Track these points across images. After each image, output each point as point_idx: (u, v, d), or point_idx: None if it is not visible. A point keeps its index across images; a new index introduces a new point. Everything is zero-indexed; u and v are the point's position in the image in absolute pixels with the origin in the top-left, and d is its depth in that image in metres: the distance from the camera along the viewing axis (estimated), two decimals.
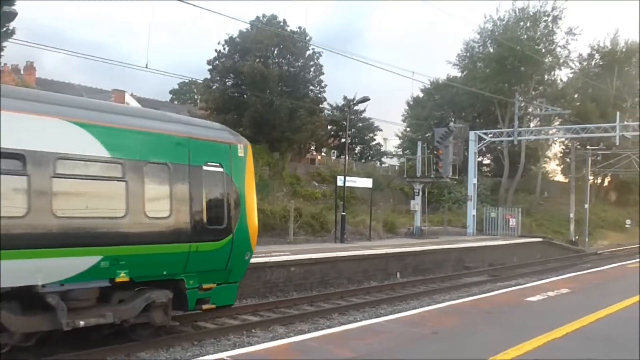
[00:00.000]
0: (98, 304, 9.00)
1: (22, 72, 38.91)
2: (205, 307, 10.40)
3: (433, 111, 53.10)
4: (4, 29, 24.93)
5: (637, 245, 40.06)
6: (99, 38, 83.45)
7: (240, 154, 10.94)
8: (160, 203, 9.47)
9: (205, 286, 10.25)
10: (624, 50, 58.56)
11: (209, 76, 40.04)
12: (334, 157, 50.40)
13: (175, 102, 62.52)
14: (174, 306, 10.13)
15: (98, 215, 8.67)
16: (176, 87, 65.81)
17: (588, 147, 46.88)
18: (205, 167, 10.20)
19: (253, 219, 11.09)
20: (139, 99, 47.16)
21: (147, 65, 18.04)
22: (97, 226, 8.64)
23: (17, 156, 7.79)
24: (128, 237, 8.97)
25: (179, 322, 10.90)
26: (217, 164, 10.44)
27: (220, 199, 10.45)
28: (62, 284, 8.35)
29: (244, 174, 10.95)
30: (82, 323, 8.53)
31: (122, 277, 8.96)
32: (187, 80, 58.78)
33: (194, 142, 10.10)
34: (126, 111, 10.66)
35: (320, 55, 41.42)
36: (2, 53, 27.02)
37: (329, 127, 48.88)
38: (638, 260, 23.89)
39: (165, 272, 9.65)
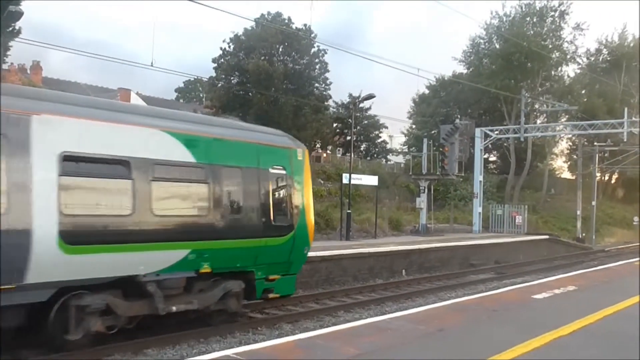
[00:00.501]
0: (185, 292, 10.16)
1: (28, 71, 39.05)
2: (271, 296, 11.73)
3: (439, 108, 52.96)
4: (10, 28, 25.04)
5: None
6: (104, 37, 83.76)
7: (299, 157, 12.26)
8: (236, 203, 10.78)
9: (270, 277, 11.50)
10: (632, 45, 58.21)
11: (214, 74, 40.09)
12: (339, 155, 50.41)
13: (181, 100, 62.68)
14: (244, 295, 11.28)
15: (187, 214, 10.07)
16: (181, 85, 66.02)
17: (595, 143, 46.65)
18: (271, 170, 11.48)
19: (310, 216, 12.38)
20: (144, 98, 47.26)
21: (152, 63, 18.05)
22: (187, 223, 9.99)
23: (124, 162, 9.07)
24: (211, 233, 10.27)
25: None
26: (281, 167, 11.71)
27: (284, 198, 11.74)
28: (158, 274, 9.59)
29: (303, 175, 12.23)
30: (174, 308, 9.90)
31: (205, 268, 10.24)
32: (192, 79, 59.04)
33: (261, 147, 11.40)
34: (205, 121, 11.90)
35: (326, 53, 41.43)
36: (9, 52, 27.16)
37: (334, 124, 48.86)
38: None
39: (238, 265, 10.94)
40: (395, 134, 60.54)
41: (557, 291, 12.41)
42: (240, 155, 10.95)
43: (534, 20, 49.10)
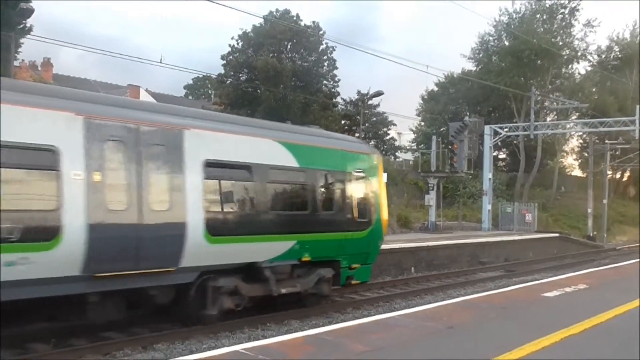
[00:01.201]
0: (290, 277, 11.93)
1: (39, 68, 39.25)
2: (353, 282, 13.55)
3: (448, 105, 52.75)
4: (21, 25, 25.17)
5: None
6: (113, 33, 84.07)
7: (375, 162, 14.04)
8: (329, 201, 12.59)
9: (352, 266, 13.24)
10: None
11: (222, 71, 40.17)
12: None
13: (190, 97, 62.79)
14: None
15: (293, 211, 11.97)
16: (190, 82, 66.04)
17: (606, 141, 46.31)
18: (354, 173, 13.17)
19: (384, 214, 14.00)
20: (153, 94, 47.40)
21: (161, 60, 18.11)
22: (293, 219, 11.86)
23: (247, 167, 10.86)
24: (311, 227, 12.12)
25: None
26: (361, 171, 13.39)
27: (364, 198, 13.37)
28: (272, 262, 11.36)
29: (378, 178, 13.93)
30: (283, 290, 11.72)
31: (306, 257, 12.06)
32: (201, 76, 59.01)
33: (346, 154, 13.18)
34: (302, 131, 13.39)
35: (334, 50, 41.42)
36: (20, 50, 27.31)
37: (343, 121, 48.77)
38: None
39: (329, 255, 12.64)
40: (403, 131, 60.35)
41: (567, 289, 12.33)
42: (330, 161, 12.74)
43: (544, 17, 48.78)
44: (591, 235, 41.07)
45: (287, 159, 11.71)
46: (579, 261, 27.81)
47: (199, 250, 9.96)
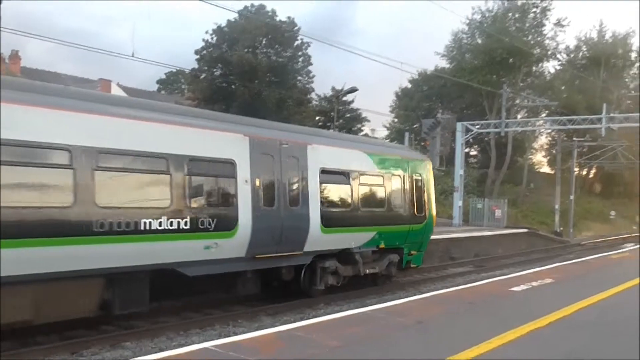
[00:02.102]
0: (371, 261, 14.81)
1: (6, 60, 38.40)
2: (411, 265, 16.54)
3: (421, 102, 53.17)
4: None
5: (621, 237, 40.58)
6: (84, 26, 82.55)
7: (427, 167, 17.16)
8: (398, 199, 15.51)
9: (411, 252, 16.15)
10: (610, 42, 58.91)
11: (196, 66, 39.79)
12: None
13: (163, 92, 62.09)
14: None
15: (375, 208, 14.71)
16: (163, 76, 65.28)
17: (574, 138, 47.20)
18: (414, 177, 16.10)
19: (434, 210, 17.25)
20: (125, 89, 46.76)
21: (133, 54, 17.89)
22: (374, 214, 14.63)
23: (346, 174, 13.90)
24: (386, 220, 15.00)
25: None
26: (418, 174, 16.34)
27: (421, 196, 16.38)
28: (360, 248, 14.22)
29: (430, 180, 17.08)
30: (367, 271, 14.61)
31: (382, 245, 14.90)
32: (174, 70, 58.34)
33: (407, 160, 16.25)
34: (378, 143, 18.56)
35: (309, 46, 41.34)
36: None
37: (317, 117, 48.78)
38: (621, 251, 24.20)
39: (397, 243, 15.53)
40: (377, 127, 60.62)
41: (534, 284, 12.59)
42: (397, 166, 15.67)
43: (516, 16, 49.48)
44: (558, 230, 41.86)
45: (371, 166, 14.79)
46: (546, 256, 28.33)
47: (316, 239, 12.90)
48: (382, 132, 58.23)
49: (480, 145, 54.80)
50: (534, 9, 49.65)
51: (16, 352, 8.65)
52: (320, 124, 49.64)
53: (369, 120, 53.81)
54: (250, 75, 37.10)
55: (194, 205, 10.35)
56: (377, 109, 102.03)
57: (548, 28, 50.35)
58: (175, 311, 11.85)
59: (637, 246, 27.65)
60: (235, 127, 11.61)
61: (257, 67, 37.40)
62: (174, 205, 10.00)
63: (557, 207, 42.66)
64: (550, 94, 49.87)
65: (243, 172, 11.27)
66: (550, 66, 56.31)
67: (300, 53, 41.71)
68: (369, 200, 14.55)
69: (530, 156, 58.66)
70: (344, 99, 47.24)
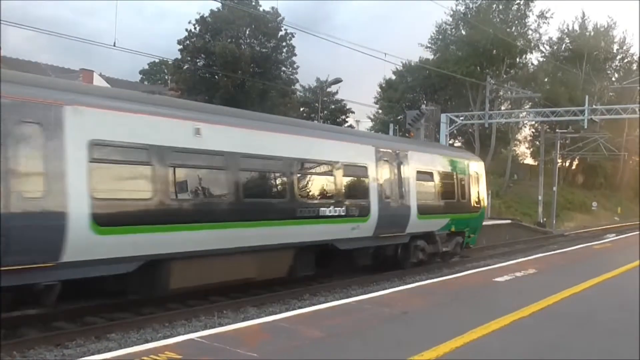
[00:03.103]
0: (446, 241, 18.59)
1: None
2: (470, 246, 20.75)
3: (405, 93, 53.25)
4: None
5: (602, 227, 41.10)
6: (65, 14, 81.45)
7: (481, 166, 21.26)
8: (463, 192, 19.32)
9: (470, 235, 20.12)
10: (592, 34, 59.39)
11: (179, 56, 39.44)
12: None
13: (145, 83, 61.52)
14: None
15: (449, 199, 18.37)
16: (146, 67, 64.65)
17: (557, 130, 47.61)
18: (472, 174, 20.06)
19: (485, 202, 21.89)
20: (107, 79, 46.25)
21: (114, 43, 17.68)
22: (448, 204, 18.35)
23: (430, 173, 17.63)
24: (456, 209, 18.79)
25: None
26: (475, 172, 20.40)
27: (477, 190, 20.34)
28: (439, 231, 17.98)
29: (483, 177, 21.09)
30: (444, 249, 18.49)
31: (453, 229, 18.64)
32: (157, 60, 57.85)
33: (469, 162, 20.37)
34: (450, 149, 24.24)
35: (293, 36, 41.12)
36: None
37: (301, 108, 48.70)
38: (603, 241, 24.49)
39: (462, 227, 19.25)
40: (362, 118, 60.67)
41: (518, 274, 12.70)
42: (463, 166, 19.70)
43: (500, 7, 49.66)
44: (541, 221, 42.28)
45: (446, 167, 18.69)
46: (529, 247, 28.60)
47: (413, 223, 16.55)
48: (367, 124, 58.30)
49: (464, 136, 55.10)
50: (518, 1, 49.89)
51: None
52: (304, 115, 49.63)
53: (353, 112, 53.96)
54: (234, 66, 36.86)
55: (347, 198, 14.22)
56: (361, 101, 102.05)
57: (531, 20, 50.70)
58: (160, 303, 11.79)
59: (619, 237, 28.03)
60: (366, 140, 16.35)
61: (240, 57, 37.16)
62: (337, 198, 13.93)
63: (540, 198, 43.07)
64: (534, 85, 50.24)
65: (372, 173, 15.12)
66: (534, 58, 56.62)
67: (284, 44, 41.50)
68: (446, 193, 18.24)
69: (514, 147, 59.15)
70: (328, 90, 47.24)
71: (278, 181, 12.78)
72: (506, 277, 12.21)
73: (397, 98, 52.65)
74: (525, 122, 52.63)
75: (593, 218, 53.23)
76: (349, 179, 14.52)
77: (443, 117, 37.05)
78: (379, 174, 15.27)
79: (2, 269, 7.72)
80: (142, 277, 10.03)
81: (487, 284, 11.52)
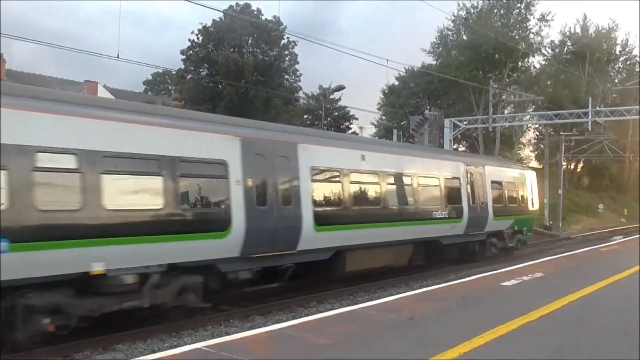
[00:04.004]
0: (510, 239, 22.25)
1: None
2: (527, 243, 24.65)
3: (408, 99, 53.19)
4: None
5: (609, 229, 40.86)
6: (69, 27, 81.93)
7: (534, 176, 25.18)
8: (522, 198, 23.08)
9: (527, 234, 23.94)
10: (594, 36, 59.29)
11: (182, 66, 39.60)
12: None
13: (149, 93, 61.78)
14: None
15: (511, 204, 22.03)
16: (149, 77, 64.95)
17: (561, 133, 47.46)
18: (527, 183, 23.80)
19: (537, 206, 25.60)
20: (112, 90, 46.47)
21: (118, 55, 17.80)
22: (511, 208, 22.03)
23: (501, 182, 21.53)
24: (517, 212, 22.40)
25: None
26: (530, 181, 24.15)
27: (532, 196, 24.01)
28: (506, 230, 21.89)
29: (535, 184, 24.68)
30: (510, 244, 22.26)
31: (516, 228, 22.38)
32: (160, 71, 58.11)
33: (526, 172, 24.45)
34: (513, 162, 28.26)
35: (295, 44, 41.25)
36: None
37: (305, 116, 48.75)
38: (610, 243, 24.38)
39: (521, 227, 22.95)
40: (365, 125, 60.57)
41: (525, 278, 12.65)
42: (522, 176, 23.74)
43: (501, 12, 49.68)
44: (547, 224, 42.07)
45: (512, 177, 22.83)
46: (536, 250, 28.43)
47: (490, 224, 20.43)
48: (370, 130, 58.30)
49: (468, 141, 54.99)
50: (519, 5, 49.91)
51: (7, 356, 8.56)
52: (308, 122, 49.68)
53: (356, 118, 53.93)
54: (237, 75, 36.98)
55: (448, 204, 18.02)
56: (364, 107, 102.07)
57: (532, 23, 50.67)
58: (166, 312, 11.77)
59: (626, 239, 27.89)
60: (458, 158, 20.33)
61: (243, 66, 37.28)
62: (444, 204, 17.82)
63: (546, 201, 42.87)
64: (537, 89, 50.13)
65: (463, 184, 18.96)
66: (536, 61, 56.55)
67: (286, 52, 41.63)
68: (511, 199, 22.09)
69: (518, 151, 58.96)
70: (331, 97, 47.27)
71: (408, 192, 16.60)
72: (513, 281, 12.17)
73: (400, 104, 52.62)
74: (529, 125, 52.51)
75: (599, 220, 52.93)
76: (449, 189, 18.20)
77: (446, 122, 37.05)
78: (467, 185, 19.20)
79: (271, 254, 11.94)
80: (331, 263, 13.84)
81: (494, 289, 11.47)
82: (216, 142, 11.03)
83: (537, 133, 59.03)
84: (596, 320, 8.70)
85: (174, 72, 42.36)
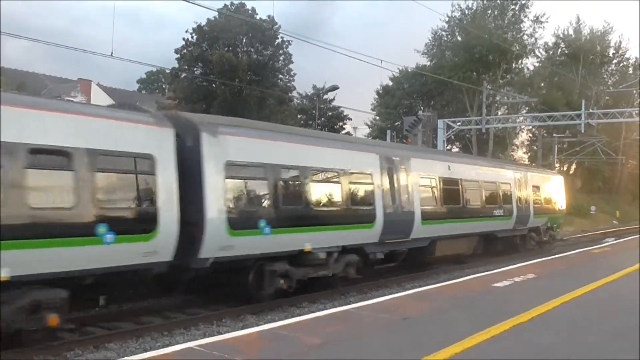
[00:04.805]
0: (544, 233, 25.60)
1: None
2: (558, 234, 28.88)
3: (402, 100, 53.31)
4: None
5: (601, 231, 41.05)
6: (62, 25, 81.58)
7: (562, 179, 29.49)
8: (554, 199, 26.95)
9: (557, 230, 27.80)
10: (588, 39, 59.57)
11: (177, 65, 39.52)
12: None
13: (143, 92, 61.59)
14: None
15: (546, 205, 25.98)
16: (144, 76, 64.72)
17: (554, 135, 47.66)
18: (557, 185, 27.83)
19: (564, 206, 28.88)
20: (105, 89, 46.31)
21: (112, 53, 17.73)
22: (547, 208, 25.88)
23: (539, 187, 25.41)
24: (550, 211, 26.23)
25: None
26: (559, 184, 28.24)
27: (560, 197, 27.72)
28: (542, 226, 25.26)
29: (563, 187, 28.64)
30: (545, 238, 25.66)
31: (549, 225, 25.87)
32: (154, 69, 57.94)
33: (555, 177, 28.98)
34: (548, 170, 34.53)
35: (290, 44, 41.26)
36: None
37: (299, 116, 48.74)
38: (602, 245, 24.51)
39: (553, 223, 26.38)
40: (359, 125, 60.73)
41: (517, 279, 12.68)
42: (551, 180, 27.61)
43: (495, 13, 49.85)
44: None
45: (545, 181, 26.50)
46: (528, 251, 28.48)
47: (531, 220, 23.84)
48: (364, 130, 58.34)
49: (461, 142, 55.13)
50: (513, 6, 50.09)
51: (7, 356, 8.52)
52: (302, 122, 49.67)
53: (350, 119, 54.01)
54: (231, 74, 36.96)
55: (503, 204, 21.73)
56: (358, 107, 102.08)
57: (527, 25, 50.89)
58: (159, 311, 11.75)
59: (618, 241, 28.03)
60: (509, 166, 24.67)
61: (237, 65, 37.26)
62: (500, 204, 21.51)
63: None
64: (530, 90, 50.34)
65: (513, 188, 22.65)
66: (530, 63, 56.82)
67: (280, 51, 41.63)
68: (545, 200, 25.91)
69: (512, 152, 59.18)
70: (325, 97, 47.31)
71: (478, 194, 20.49)
72: (505, 282, 12.19)
73: (394, 104, 52.72)
74: (522, 126, 52.73)
75: (592, 222, 53.13)
76: (503, 192, 21.97)
77: (440, 123, 37.14)
78: (515, 188, 22.85)
79: (396, 240, 15.97)
80: (425, 249, 17.56)
81: (486, 289, 11.49)
82: (368, 159, 15.42)
83: (530, 134, 59.28)
84: (587, 321, 8.74)
85: (168, 71, 42.28)
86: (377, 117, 54.97)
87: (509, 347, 7.11)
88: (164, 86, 60.21)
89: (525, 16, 50.43)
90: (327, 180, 13.97)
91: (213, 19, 39.01)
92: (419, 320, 8.61)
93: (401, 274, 17.51)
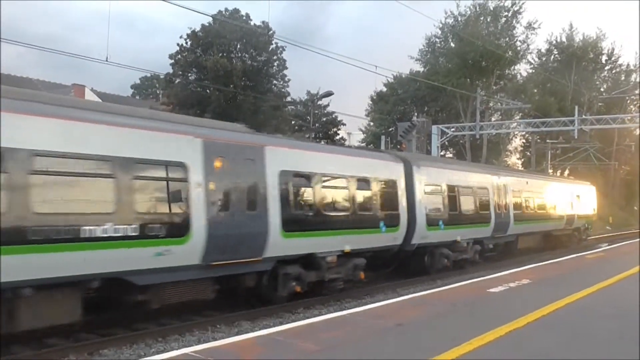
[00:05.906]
0: (581, 232, 31.92)
1: None
2: (590, 236, 34.14)
3: (396, 106, 53.48)
4: None
5: (594, 237, 41.20)
6: (56, 30, 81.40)
7: (594, 189, 34.91)
8: (587, 206, 32.44)
9: (590, 229, 33.69)
10: (580, 45, 59.94)
11: (171, 71, 39.49)
12: None
13: (137, 97, 61.47)
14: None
15: (584, 210, 31.68)
16: (138, 81, 64.68)
17: (548, 140, 47.85)
18: (589, 194, 33.49)
19: (595, 211, 35.06)
20: (99, 94, 46.15)
21: (107, 58, 17.69)
22: (585, 214, 31.87)
23: (579, 196, 31.26)
24: (587, 216, 32.43)
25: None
26: (591, 193, 33.84)
27: (592, 203, 33.91)
28: (582, 227, 32.00)
29: (595, 195, 34.73)
30: (583, 237, 32.31)
31: (586, 226, 32.60)
32: (148, 75, 57.90)
33: (588, 186, 34.03)
34: (578, 181, 36.55)
35: (284, 50, 41.32)
36: None
37: (293, 121, 48.78)
38: (596, 251, 24.57)
39: (587, 226, 32.74)
40: (353, 131, 60.86)
41: (512, 285, 12.69)
42: (586, 190, 32.90)
43: (488, 19, 50.12)
44: None
45: (582, 191, 31.26)
46: (523, 257, 28.54)
47: (576, 221, 30.18)
48: (358, 136, 58.47)
49: (455, 147, 55.30)
50: (506, 13, 50.38)
51: (6, 357, 8.46)
52: (296, 128, 49.71)
53: (344, 124, 54.15)
54: (225, 80, 36.96)
55: (557, 210, 27.63)
56: (352, 113, 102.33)
57: (519, 31, 51.19)
58: (153, 317, 11.69)
59: (611, 246, 28.13)
60: (566, 181, 31.53)
61: (232, 71, 37.28)
62: (557, 209, 27.50)
63: None
64: (523, 97, 50.59)
65: (566, 196, 28.75)
66: (523, 69, 57.13)
67: (275, 57, 41.69)
68: (583, 206, 31.01)
69: (505, 158, 59.38)
70: (320, 102, 47.38)
71: (544, 202, 26.60)
72: (500, 288, 12.20)
73: (388, 110, 52.88)
74: (516, 132, 52.92)
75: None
76: (560, 199, 27.99)
77: (434, 129, 37.26)
78: (567, 197, 28.98)
79: (497, 236, 22.19)
80: (510, 244, 23.91)
81: (481, 295, 11.49)
82: (503, 181, 22.80)
83: (524, 140, 59.50)
84: (583, 326, 8.75)
85: (162, 77, 42.24)
86: (372, 123, 55.10)
87: (505, 353, 7.11)
88: (158, 92, 60.13)
89: (518, 22, 50.79)
90: (474, 194, 20.66)
91: (207, 24, 39.03)
92: (414, 326, 8.60)
93: (396, 280, 17.51)
